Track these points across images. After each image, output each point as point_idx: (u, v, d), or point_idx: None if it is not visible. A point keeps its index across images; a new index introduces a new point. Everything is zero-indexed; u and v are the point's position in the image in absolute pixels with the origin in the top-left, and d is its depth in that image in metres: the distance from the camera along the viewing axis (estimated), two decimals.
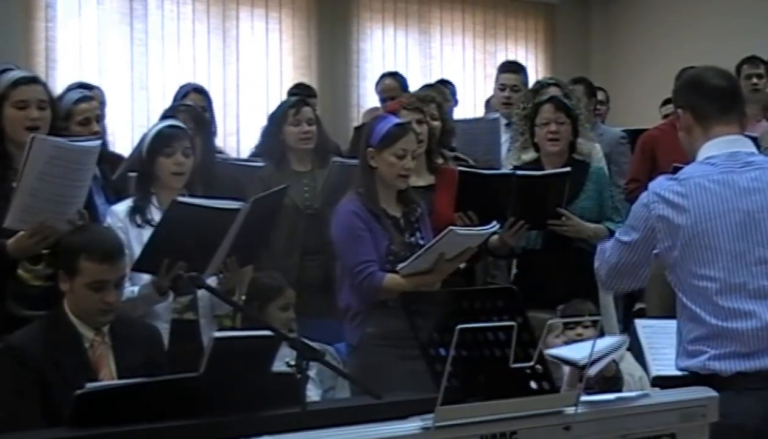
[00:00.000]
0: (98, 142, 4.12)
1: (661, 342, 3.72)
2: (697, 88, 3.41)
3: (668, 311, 3.53)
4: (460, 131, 6.18)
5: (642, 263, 3.38)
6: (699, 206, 3.24)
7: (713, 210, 3.24)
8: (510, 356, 2.71)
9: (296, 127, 5.37)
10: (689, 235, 3.25)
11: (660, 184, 3.33)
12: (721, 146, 3.32)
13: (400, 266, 4.28)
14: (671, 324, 3.58)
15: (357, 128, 6.37)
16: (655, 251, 3.32)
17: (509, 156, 5.82)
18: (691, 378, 3.25)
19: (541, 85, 6.03)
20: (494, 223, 4.50)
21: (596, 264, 3.57)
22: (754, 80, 7.59)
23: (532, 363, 2.77)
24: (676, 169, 4.94)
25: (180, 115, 4.87)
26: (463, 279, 4.85)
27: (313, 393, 4.27)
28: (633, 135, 6.97)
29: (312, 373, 4.21)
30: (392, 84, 7.28)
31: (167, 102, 6.17)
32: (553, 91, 5.84)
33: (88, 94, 5.08)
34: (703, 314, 3.23)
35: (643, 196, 3.35)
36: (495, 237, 4.90)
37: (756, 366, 3.17)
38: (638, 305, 6.32)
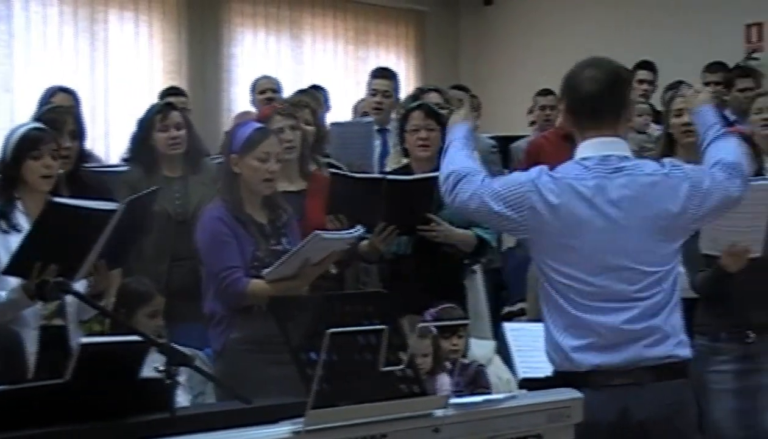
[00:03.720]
0: None
1: (529, 345, 3.78)
2: (571, 90, 3.45)
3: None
4: (335, 134, 6.20)
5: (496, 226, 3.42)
6: (567, 208, 3.29)
7: (580, 214, 3.29)
8: (380, 359, 2.73)
9: (164, 133, 5.31)
10: (555, 234, 3.30)
11: (539, 176, 3.36)
12: (595, 148, 3.37)
13: (265, 271, 4.27)
14: (539, 327, 3.65)
15: (228, 133, 6.33)
16: (521, 236, 3.36)
17: (389, 160, 5.85)
18: (554, 378, 3.31)
19: (421, 91, 6.08)
20: (358, 227, 4.52)
21: (450, 179, 3.49)
22: (645, 86, 7.79)
23: (402, 367, 2.80)
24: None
25: (50, 115, 4.80)
26: (334, 284, 4.86)
27: (182, 399, 4.22)
28: (502, 143, 7.07)
29: (181, 378, 4.17)
30: (267, 83, 7.29)
31: (33, 105, 6.04)
32: (434, 97, 5.89)
33: None
34: (566, 305, 3.30)
35: (526, 181, 3.36)
36: (365, 242, 4.93)
37: (612, 360, 3.25)
38: (507, 309, 6.43)
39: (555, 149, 6.24)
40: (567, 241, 3.30)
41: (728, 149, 3.54)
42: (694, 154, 5.18)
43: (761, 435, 4.51)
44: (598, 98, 3.39)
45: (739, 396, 4.52)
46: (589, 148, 3.39)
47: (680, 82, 7.33)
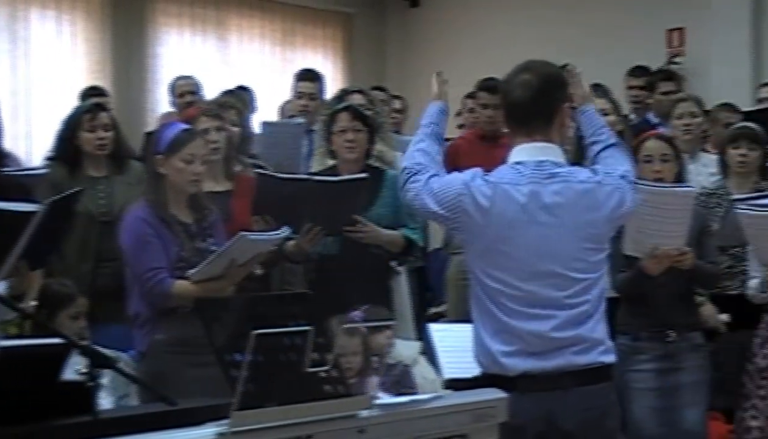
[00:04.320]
0: None
1: (454, 346, 3.80)
2: (505, 95, 3.48)
3: (466, 315, 3.60)
4: (265, 134, 6.18)
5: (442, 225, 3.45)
6: (501, 213, 3.30)
7: (513, 220, 3.30)
8: (305, 360, 2.73)
9: (92, 134, 5.26)
10: (488, 238, 3.31)
11: (473, 180, 3.36)
12: (529, 153, 3.38)
13: (191, 271, 4.25)
14: (464, 328, 3.67)
15: (149, 134, 6.29)
16: (456, 235, 3.37)
17: (314, 162, 5.85)
18: (481, 379, 3.33)
19: (345, 93, 6.08)
20: (285, 228, 4.51)
21: (403, 175, 3.53)
22: None
23: (327, 367, 2.80)
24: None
25: None
26: (259, 285, 4.85)
27: (105, 401, 4.18)
28: None
29: (104, 380, 4.12)
30: (186, 85, 7.24)
31: None
32: (357, 98, 5.89)
33: None
34: (495, 310, 3.31)
35: (459, 184, 3.36)
36: (291, 243, 4.92)
37: (540, 366, 3.27)
38: (432, 310, 6.46)
39: (472, 150, 6.31)
40: (499, 245, 3.31)
41: (626, 162, 3.59)
42: None
43: (681, 433, 4.58)
44: (528, 104, 3.40)
45: (659, 395, 4.59)
46: (523, 152, 3.40)
47: (598, 86, 7.42)
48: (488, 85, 6.50)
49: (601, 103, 5.47)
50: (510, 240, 3.30)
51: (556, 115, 3.45)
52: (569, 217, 3.32)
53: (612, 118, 5.44)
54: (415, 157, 3.52)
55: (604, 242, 3.42)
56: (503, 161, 3.46)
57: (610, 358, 3.39)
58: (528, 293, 3.30)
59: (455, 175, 3.42)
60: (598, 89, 6.19)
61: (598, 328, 3.36)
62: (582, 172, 3.45)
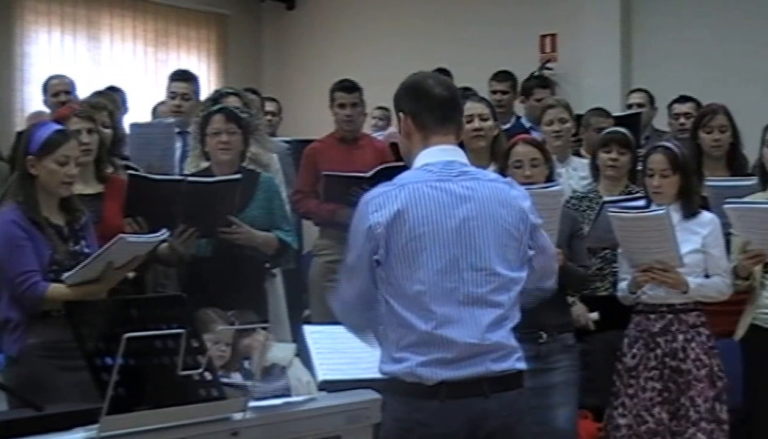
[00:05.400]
0: None
1: (328, 347, 3.79)
2: (420, 95, 3.40)
3: (330, 318, 3.58)
4: (135, 136, 6.09)
5: (369, 275, 3.31)
6: (415, 211, 3.25)
7: (429, 215, 3.25)
8: (179, 364, 2.70)
9: None
10: (405, 238, 3.24)
11: (376, 191, 3.31)
12: (438, 154, 3.35)
13: (66, 275, 4.16)
14: (338, 330, 3.66)
15: (19, 134, 6.14)
16: (375, 257, 3.30)
17: (188, 163, 5.79)
18: (392, 386, 3.27)
19: (220, 95, 6.04)
20: (164, 230, 4.45)
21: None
22: None
23: (200, 370, 2.77)
24: (327, 177, 5.06)
25: None
26: (132, 288, 4.77)
27: None
28: (301, 145, 7.07)
29: None
30: (60, 84, 7.10)
31: None
32: (232, 100, 5.85)
33: None
34: (413, 320, 3.23)
35: (359, 210, 3.31)
36: (164, 245, 4.86)
37: (459, 375, 3.22)
38: (307, 312, 6.44)
39: (330, 152, 6.34)
40: (417, 244, 3.24)
41: None
42: (485, 157, 5.35)
43: (553, 432, 4.64)
44: (450, 104, 3.41)
45: (531, 395, 4.63)
46: (430, 155, 3.36)
47: (466, 89, 7.52)
48: (345, 86, 6.54)
49: (480, 108, 5.53)
50: (427, 236, 3.24)
51: (462, 124, 3.50)
52: (483, 210, 3.29)
53: (490, 123, 5.50)
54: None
55: (522, 242, 3.37)
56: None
57: (523, 365, 3.36)
58: (450, 290, 3.24)
59: (354, 225, 3.34)
60: (474, 95, 6.28)
61: (513, 335, 3.34)
62: (490, 173, 3.49)
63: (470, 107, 5.47)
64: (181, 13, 10.82)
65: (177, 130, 6.39)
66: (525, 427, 3.39)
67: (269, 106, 8.11)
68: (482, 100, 5.83)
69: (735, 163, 5.74)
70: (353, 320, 3.48)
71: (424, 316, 3.23)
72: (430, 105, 3.39)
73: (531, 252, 3.40)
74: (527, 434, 3.40)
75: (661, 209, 4.73)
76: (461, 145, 5.32)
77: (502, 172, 4.80)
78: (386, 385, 3.31)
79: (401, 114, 3.44)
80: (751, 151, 5.83)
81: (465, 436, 3.24)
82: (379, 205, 3.27)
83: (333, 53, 10.85)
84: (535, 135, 5.82)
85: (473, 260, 3.27)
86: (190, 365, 2.74)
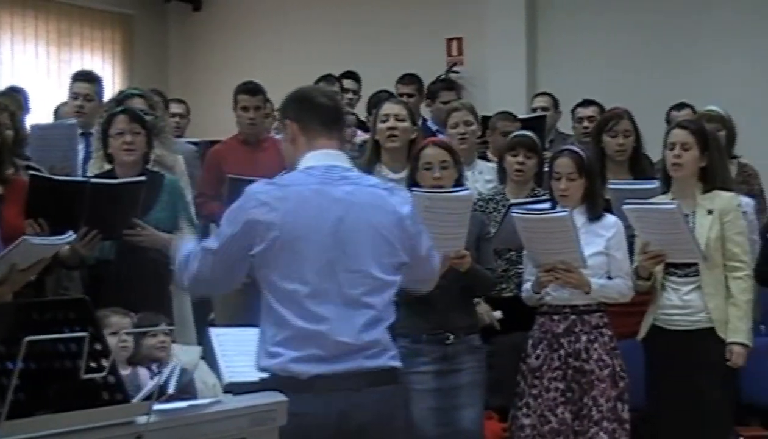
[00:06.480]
0: None
1: (234, 350, 3.77)
2: (306, 103, 3.53)
3: (234, 320, 3.59)
4: (36, 137, 5.99)
5: (234, 264, 3.40)
6: (295, 213, 3.32)
7: (307, 218, 3.33)
8: (81, 367, 2.66)
9: None
10: (283, 239, 3.31)
11: (259, 187, 3.39)
12: (320, 158, 3.44)
13: None
14: (244, 332, 3.64)
15: None
16: (251, 252, 3.35)
17: (91, 165, 5.71)
18: (268, 381, 3.32)
19: (124, 96, 5.97)
20: (70, 232, 4.39)
21: (177, 273, 3.58)
22: (350, 95, 7.95)
23: (104, 374, 2.73)
24: (231, 180, 5.08)
25: None
26: (34, 291, 4.70)
27: None
28: (209, 146, 7.04)
29: None
30: None
31: None
32: (138, 102, 5.79)
33: None
34: (289, 317, 3.30)
35: (241, 201, 3.39)
36: (66, 247, 4.79)
37: (332, 370, 3.29)
38: (213, 315, 6.39)
39: (234, 155, 6.33)
40: (295, 245, 3.32)
41: None
42: (400, 159, 5.38)
43: (458, 432, 4.69)
44: (333, 112, 3.54)
45: (438, 395, 4.68)
46: (313, 158, 3.46)
47: (384, 92, 7.55)
48: (248, 88, 6.53)
49: (397, 108, 5.55)
50: (305, 238, 3.32)
51: (344, 131, 3.63)
52: (361, 215, 3.38)
53: (406, 124, 5.51)
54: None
55: (397, 247, 3.45)
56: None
57: (398, 363, 3.44)
58: (325, 290, 3.31)
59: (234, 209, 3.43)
60: (393, 97, 6.32)
61: (387, 334, 3.41)
62: (372, 178, 3.59)
63: (387, 108, 5.53)
64: (85, 12, 10.67)
65: (80, 131, 6.30)
66: (398, 422, 3.44)
67: (177, 108, 8.05)
68: (400, 102, 5.88)
69: (637, 166, 5.84)
70: (201, 292, 3.66)
71: (300, 313, 3.31)
72: (315, 111, 3.52)
73: (406, 259, 3.48)
74: (400, 430, 3.45)
75: (564, 211, 4.79)
76: (376, 144, 5.44)
77: (412, 173, 4.84)
78: (264, 380, 3.35)
79: (287, 120, 3.55)
80: (651, 154, 5.95)
81: (336, 427, 3.29)
82: (261, 201, 3.35)
83: (240, 54, 10.81)
84: (441, 138, 5.86)
85: (349, 263, 3.35)
86: (93, 368, 2.70)
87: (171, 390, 3.34)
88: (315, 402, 3.21)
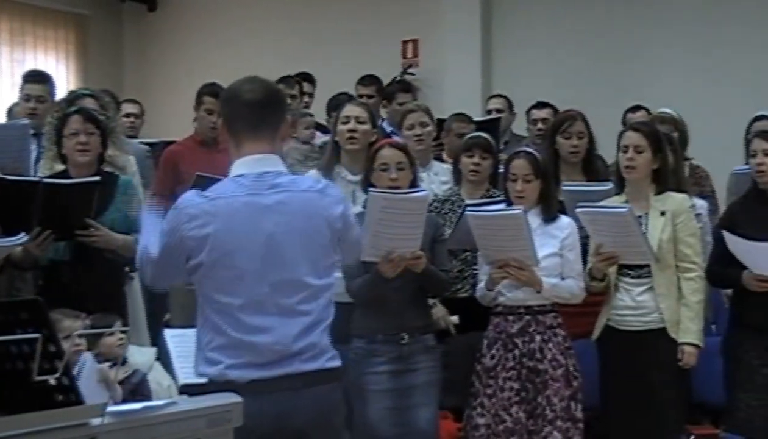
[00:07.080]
0: None
1: (189, 351, 3.76)
2: (231, 100, 3.43)
3: (191, 321, 3.58)
4: None
5: (175, 269, 3.40)
6: (225, 227, 3.29)
7: (239, 231, 3.29)
8: (34, 369, 2.64)
9: None
10: (215, 254, 3.29)
11: (190, 200, 3.34)
12: (251, 165, 3.37)
13: None
14: None
15: None
16: (187, 265, 3.33)
17: (42, 165, 5.67)
18: (208, 386, 3.31)
19: (76, 96, 5.93)
20: (22, 234, 4.37)
21: (139, 268, 3.60)
22: (306, 98, 7.94)
23: (57, 375, 2.71)
24: (199, 177, 5.08)
25: None
26: None
27: None
28: (162, 147, 7.00)
29: None
30: None
31: None
32: (89, 102, 5.76)
33: None
34: (224, 327, 3.30)
35: (174, 213, 3.34)
36: (19, 248, 4.76)
37: (269, 374, 3.29)
38: (168, 316, 6.36)
39: (192, 155, 6.30)
40: (227, 260, 3.29)
41: None
42: (359, 160, 5.38)
43: (414, 432, 4.70)
44: (258, 110, 3.39)
45: (393, 396, 4.69)
46: (243, 165, 3.39)
47: (344, 94, 7.55)
48: (213, 91, 6.50)
49: (357, 111, 5.54)
50: (237, 252, 3.29)
51: (282, 126, 3.49)
52: (293, 224, 3.34)
53: (366, 127, 5.51)
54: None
55: (330, 248, 3.45)
56: (225, 166, 3.48)
57: (337, 363, 3.44)
58: (259, 301, 3.30)
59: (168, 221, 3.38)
60: (354, 100, 6.31)
61: (324, 337, 3.40)
62: (304, 181, 3.52)
63: (348, 110, 5.52)
64: (38, 12, 10.59)
65: (32, 131, 6.25)
66: (336, 420, 3.47)
67: (131, 108, 8.00)
68: (361, 104, 5.86)
69: (590, 167, 5.88)
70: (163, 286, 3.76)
71: (234, 325, 3.30)
72: (240, 110, 3.41)
73: (337, 258, 3.50)
74: (338, 427, 3.48)
75: (517, 209, 4.82)
76: (336, 146, 5.43)
77: (368, 174, 4.85)
78: (204, 385, 3.34)
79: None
80: (606, 156, 5.99)
81: (275, 429, 3.29)
82: (191, 216, 3.31)
83: (195, 55, 10.79)
84: (397, 139, 5.87)
85: (282, 273, 3.33)
86: (47, 369, 2.68)
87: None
88: (253, 405, 3.17)
